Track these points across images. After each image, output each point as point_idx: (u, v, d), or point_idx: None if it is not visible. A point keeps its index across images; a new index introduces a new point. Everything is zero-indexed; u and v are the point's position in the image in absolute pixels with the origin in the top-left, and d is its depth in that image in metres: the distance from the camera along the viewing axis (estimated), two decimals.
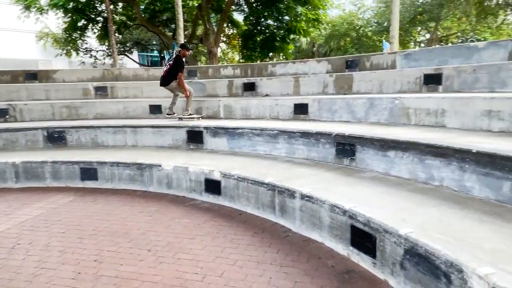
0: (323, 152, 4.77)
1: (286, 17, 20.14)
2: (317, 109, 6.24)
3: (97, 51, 23.07)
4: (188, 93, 6.91)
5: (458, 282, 2.01)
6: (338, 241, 3.15)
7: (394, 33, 11.77)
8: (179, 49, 7.15)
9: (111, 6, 17.20)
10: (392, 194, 3.33)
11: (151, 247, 3.38)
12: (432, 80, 5.76)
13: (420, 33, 27.89)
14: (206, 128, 6.02)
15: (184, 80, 7.06)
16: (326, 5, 19.44)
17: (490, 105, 4.07)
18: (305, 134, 4.99)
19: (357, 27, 27.31)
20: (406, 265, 2.41)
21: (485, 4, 20.68)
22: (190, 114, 6.98)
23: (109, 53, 22.26)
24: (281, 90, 7.94)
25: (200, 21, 21.17)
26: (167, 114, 7.14)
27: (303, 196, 3.54)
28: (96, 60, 22.84)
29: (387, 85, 6.47)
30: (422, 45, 27.25)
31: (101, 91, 8.87)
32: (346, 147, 4.49)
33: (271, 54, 24.33)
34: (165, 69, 7.03)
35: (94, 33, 20.99)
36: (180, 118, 6.96)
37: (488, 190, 3.00)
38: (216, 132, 5.92)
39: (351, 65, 8.00)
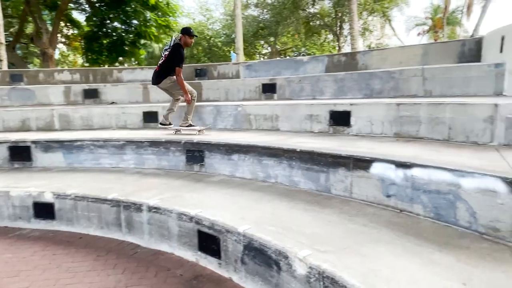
0: (174, 160, 4.73)
1: (135, 21, 19.27)
2: None
3: None
4: (190, 96, 5.22)
5: (286, 267, 2.29)
6: (187, 248, 3.15)
7: (239, 45, 12.74)
8: (179, 35, 5.22)
9: None
10: (236, 194, 3.55)
11: None
12: (269, 89, 6.46)
13: (264, 46, 31.01)
14: (34, 142, 5.14)
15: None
16: (176, 12, 19.49)
17: (311, 110, 4.81)
18: (154, 143, 4.84)
19: (208, 37, 28.37)
20: (246, 260, 2.60)
21: (311, 24, 24.59)
22: (190, 125, 5.30)
23: None
24: (129, 97, 7.53)
25: (31, 18, 18.13)
26: (160, 124, 5.51)
27: (150, 208, 3.41)
28: None
29: (232, 93, 6.91)
30: (266, 57, 30.36)
31: None
32: (195, 153, 4.56)
33: (121, 58, 22.84)
34: (160, 61, 5.29)
35: None
36: (178, 130, 5.38)
37: (310, 183, 3.53)
38: (48, 146, 5.13)
39: (200, 74, 8.23)
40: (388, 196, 2.91)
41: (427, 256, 2.12)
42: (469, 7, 28.05)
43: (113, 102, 7.42)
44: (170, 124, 5.46)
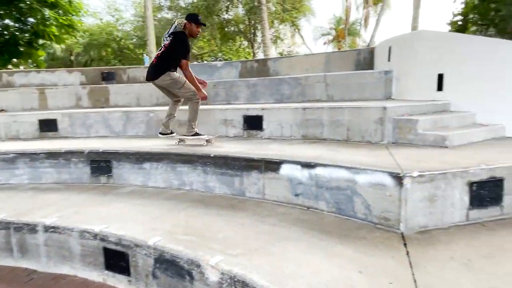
0: (77, 173, 4.32)
1: (32, 19, 17.20)
2: (68, 125, 5.62)
3: None
4: (199, 95, 4.16)
5: (198, 276, 2.24)
6: (92, 268, 2.89)
7: (151, 48, 12.29)
8: (183, 21, 4.13)
9: None
10: (148, 205, 3.38)
11: None
12: None
13: None
14: None
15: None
16: (79, 11, 17.93)
17: (225, 115, 4.85)
18: (52, 155, 4.36)
19: (117, 39, 26.74)
20: (157, 274, 2.48)
21: (226, 30, 24.90)
22: (196, 134, 4.28)
23: None
24: (22, 104, 6.70)
25: None
26: (160, 133, 4.46)
27: (47, 228, 3.04)
28: None
29: (144, 98, 6.61)
30: None
31: None
32: (101, 164, 4.23)
33: (15, 60, 20.15)
34: (157, 52, 4.21)
35: None
36: (182, 140, 4.47)
37: (225, 187, 3.54)
38: None
39: (107, 77, 7.70)
40: (296, 195, 3.07)
41: (330, 249, 2.29)
42: (366, 19, 31.56)
43: (2, 110, 6.51)
44: (172, 132, 4.49)
